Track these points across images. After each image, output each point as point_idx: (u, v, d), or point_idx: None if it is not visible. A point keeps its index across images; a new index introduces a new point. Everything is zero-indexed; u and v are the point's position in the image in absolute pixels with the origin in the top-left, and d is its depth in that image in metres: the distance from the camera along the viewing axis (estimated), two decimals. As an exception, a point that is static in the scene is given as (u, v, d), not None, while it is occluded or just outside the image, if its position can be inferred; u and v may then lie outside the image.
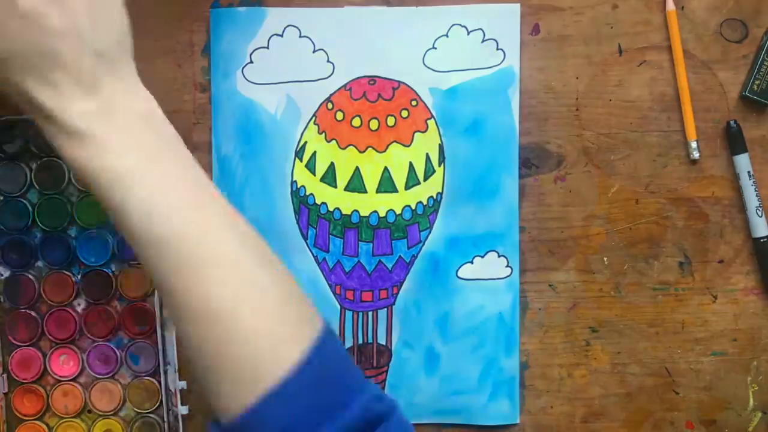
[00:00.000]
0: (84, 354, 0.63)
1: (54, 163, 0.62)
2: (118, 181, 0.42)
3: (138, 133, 0.43)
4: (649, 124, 0.63)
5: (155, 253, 0.43)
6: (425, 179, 0.62)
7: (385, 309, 0.63)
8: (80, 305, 0.63)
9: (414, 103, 0.62)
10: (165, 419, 0.63)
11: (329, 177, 0.62)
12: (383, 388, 0.63)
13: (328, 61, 0.62)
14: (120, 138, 0.42)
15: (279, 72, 0.62)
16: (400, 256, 0.63)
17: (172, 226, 0.43)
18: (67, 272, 0.63)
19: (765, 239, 0.62)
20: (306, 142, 0.62)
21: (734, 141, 0.62)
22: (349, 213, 0.62)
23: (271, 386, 0.42)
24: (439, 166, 0.62)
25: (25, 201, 0.62)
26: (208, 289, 0.43)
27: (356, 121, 0.62)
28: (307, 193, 0.62)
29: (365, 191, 0.62)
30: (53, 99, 0.41)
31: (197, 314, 0.43)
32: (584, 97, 0.62)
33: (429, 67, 0.62)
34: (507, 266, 0.63)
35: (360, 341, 0.63)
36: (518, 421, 0.64)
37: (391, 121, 0.62)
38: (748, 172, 0.62)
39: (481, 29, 0.61)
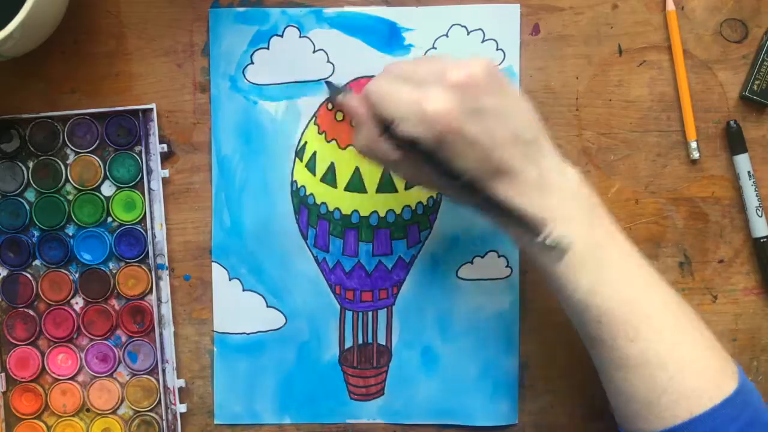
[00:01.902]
0: (82, 352, 0.65)
1: (51, 161, 0.64)
2: (575, 258, 0.52)
3: (583, 215, 0.53)
4: (648, 124, 0.64)
5: (591, 315, 0.53)
6: None
7: (385, 309, 0.65)
8: (78, 304, 0.65)
9: None
10: (163, 417, 0.65)
11: (329, 177, 0.64)
12: (383, 388, 0.65)
13: (328, 61, 0.64)
14: (573, 221, 0.52)
15: (279, 72, 0.64)
16: (399, 256, 0.65)
17: (608, 290, 0.53)
18: (64, 271, 0.64)
19: (765, 239, 0.64)
20: (306, 142, 0.64)
21: (734, 141, 0.64)
22: (349, 213, 0.64)
23: (703, 411, 0.51)
24: None
25: (22, 200, 0.64)
26: (644, 333, 0.52)
27: None
28: (307, 193, 0.64)
29: (365, 191, 0.64)
30: (511, 194, 0.52)
31: (634, 360, 0.53)
32: (584, 97, 0.64)
33: None
34: (507, 266, 0.65)
35: (360, 341, 0.65)
36: (518, 421, 0.65)
37: None
38: (748, 172, 0.64)
39: (481, 29, 0.63)
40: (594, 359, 0.56)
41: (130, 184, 0.64)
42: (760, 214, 0.64)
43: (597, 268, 0.53)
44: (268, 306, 0.65)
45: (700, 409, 0.51)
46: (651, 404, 0.52)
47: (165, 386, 0.64)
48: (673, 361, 0.52)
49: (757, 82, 0.63)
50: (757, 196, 0.64)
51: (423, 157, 0.51)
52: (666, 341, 0.53)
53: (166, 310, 0.65)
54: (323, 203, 0.64)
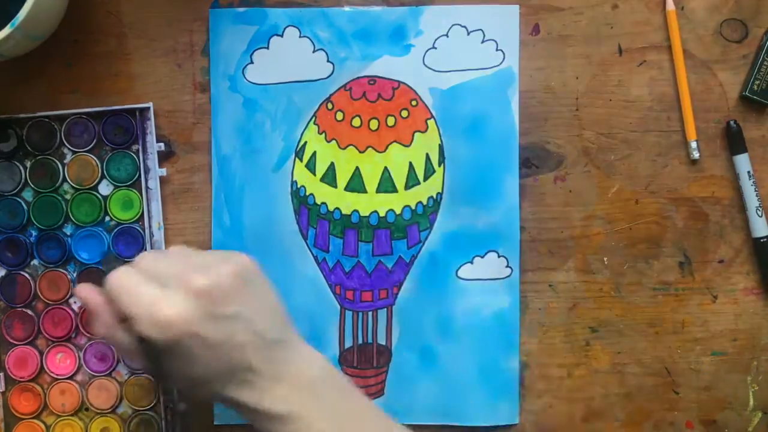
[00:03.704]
0: (81, 352, 0.66)
1: (48, 161, 0.65)
2: None
3: (323, 400, 0.54)
4: (649, 124, 0.66)
5: None
6: (425, 179, 0.66)
7: (385, 309, 0.67)
8: (76, 303, 0.66)
9: (414, 103, 0.66)
10: (162, 416, 0.66)
11: (329, 177, 0.66)
12: (383, 388, 0.67)
13: (328, 61, 0.66)
14: (312, 410, 0.53)
15: (279, 72, 0.66)
16: (399, 256, 0.66)
17: None
18: (62, 270, 0.66)
19: (765, 239, 0.66)
20: (306, 142, 0.66)
21: (734, 141, 0.66)
22: (349, 213, 0.66)
23: None
24: (439, 166, 0.66)
25: (20, 199, 0.66)
26: None
27: (356, 121, 0.66)
28: (307, 193, 0.66)
29: (365, 191, 0.66)
30: (252, 396, 0.53)
31: None
32: (584, 97, 0.66)
33: (429, 67, 0.66)
34: (507, 266, 0.67)
35: (360, 341, 0.67)
36: (518, 421, 0.67)
37: (391, 121, 0.66)
38: (748, 172, 0.66)
39: (481, 30, 0.65)
40: None
41: (128, 183, 0.66)
42: (760, 214, 0.66)
43: None
44: (267, 306, 0.67)
45: None
46: None
47: (164, 386, 0.66)
48: None
49: (757, 82, 0.65)
50: (757, 196, 0.66)
51: (153, 359, 0.52)
52: None
53: (165, 309, 0.67)
54: (323, 203, 0.66)
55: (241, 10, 0.66)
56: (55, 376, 0.67)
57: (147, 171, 0.66)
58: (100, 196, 0.66)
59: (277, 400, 0.53)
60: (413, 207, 0.66)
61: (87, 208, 0.66)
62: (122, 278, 0.53)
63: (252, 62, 0.66)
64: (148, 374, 0.63)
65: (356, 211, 0.66)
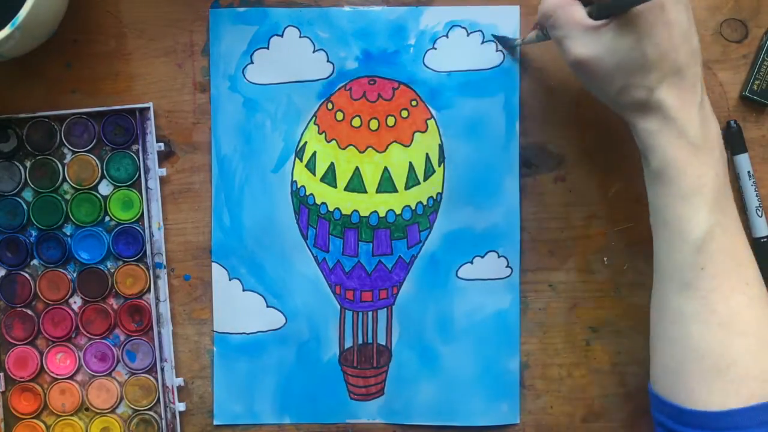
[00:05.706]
0: (80, 352, 0.67)
1: (48, 161, 0.66)
2: (696, 186, 0.55)
3: (721, 159, 0.56)
4: None
5: (698, 259, 0.55)
6: (425, 179, 0.67)
7: (385, 309, 0.68)
8: (76, 303, 0.68)
9: (414, 103, 0.67)
10: (162, 416, 0.67)
11: (329, 177, 0.67)
12: (383, 388, 0.68)
13: (328, 61, 0.67)
14: (705, 149, 0.55)
15: (279, 72, 0.67)
16: (399, 256, 0.67)
17: (724, 240, 0.55)
18: (62, 270, 0.67)
19: (765, 239, 0.67)
20: (306, 142, 0.67)
21: (734, 141, 0.67)
22: (349, 213, 0.67)
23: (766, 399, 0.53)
24: (439, 166, 0.67)
25: (19, 199, 0.67)
26: (738, 296, 0.54)
27: (356, 121, 0.67)
28: (307, 193, 0.67)
29: (365, 191, 0.67)
30: (677, 104, 0.54)
31: (719, 317, 0.54)
32: (584, 97, 0.67)
33: (429, 67, 0.66)
34: (507, 266, 0.67)
35: (360, 341, 0.68)
36: (518, 421, 0.68)
37: (391, 121, 0.67)
38: (748, 172, 0.67)
39: (480, 30, 0.66)
40: (668, 311, 0.57)
41: (128, 183, 0.67)
42: (760, 214, 0.67)
43: (721, 213, 0.55)
44: (268, 306, 0.68)
45: (765, 396, 0.52)
46: (719, 372, 0.53)
47: (164, 385, 0.67)
48: (754, 333, 0.54)
49: (757, 82, 0.66)
50: (757, 196, 0.67)
51: (612, 30, 0.54)
52: (754, 312, 0.54)
53: (164, 308, 0.67)
54: (323, 203, 0.67)
55: (241, 10, 0.67)
56: (55, 376, 0.68)
57: (147, 171, 0.67)
58: (100, 196, 0.67)
59: (691, 119, 0.54)
60: (413, 207, 0.67)
61: (87, 208, 0.67)
62: None
63: (252, 62, 0.67)
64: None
65: (356, 211, 0.67)
